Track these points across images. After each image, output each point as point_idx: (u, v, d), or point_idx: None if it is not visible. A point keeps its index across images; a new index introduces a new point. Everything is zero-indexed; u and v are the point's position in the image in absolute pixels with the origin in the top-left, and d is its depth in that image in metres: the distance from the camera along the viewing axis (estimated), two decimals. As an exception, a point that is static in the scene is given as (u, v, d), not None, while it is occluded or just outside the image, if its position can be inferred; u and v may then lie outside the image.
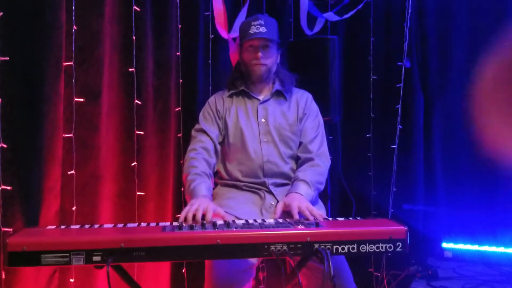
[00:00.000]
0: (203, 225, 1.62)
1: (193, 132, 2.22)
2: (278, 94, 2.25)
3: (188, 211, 1.77)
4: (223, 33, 2.53)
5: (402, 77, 2.72)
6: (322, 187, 2.14)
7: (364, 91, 3.03)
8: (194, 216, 1.75)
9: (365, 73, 3.02)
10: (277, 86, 2.24)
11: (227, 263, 1.83)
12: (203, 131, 2.18)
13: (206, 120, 2.21)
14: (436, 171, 3.11)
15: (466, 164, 3.08)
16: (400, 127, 2.76)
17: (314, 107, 2.28)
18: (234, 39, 2.59)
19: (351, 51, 3.08)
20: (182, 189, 2.56)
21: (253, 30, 2.14)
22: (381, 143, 2.97)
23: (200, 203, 1.80)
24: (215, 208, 1.83)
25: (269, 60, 2.18)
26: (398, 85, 2.74)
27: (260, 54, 2.14)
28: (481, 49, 3.05)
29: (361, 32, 3.04)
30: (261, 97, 2.23)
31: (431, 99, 3.09)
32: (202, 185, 1.98)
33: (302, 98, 2.27)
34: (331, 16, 2.77)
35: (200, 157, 2.10)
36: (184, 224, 1.66)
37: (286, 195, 2.01)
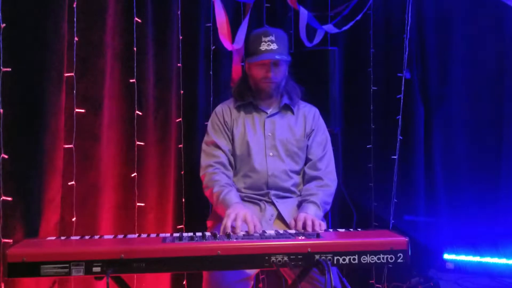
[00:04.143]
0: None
1: (204, 146, 2.18)
2: (285, 107, 2.22)
3: (227, 221, 1.78)
4: (227, 44, 2.52)
5: (402, 88, 2.73)
6: (329, 207, 2.13)
7: (364, 102, 3.03)
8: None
9: (365, 84, 3.03)
10: (285, 99, 2.20)
11: (224, 274, 1.83)
12: (215, 145, 2.14)
13: (216, 132, 2.18)
14: (437, 182, 3.10)
15: (467, 174, 3.08)
16: (401, 138, 2.76)
17: (321, 123, 2.26)
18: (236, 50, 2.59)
19: (351, 63, 3.09)
20: (183, 200, 2.55)
21: (263, 47, 2.07)
22: (381, 154, 2.97)
23: (238, 212, 1.81)
24: (251, 215, 1.83)
25: (279, 76, 2.14)
26: (398, 96, 2.75)
27: (271, 74, 2.10)
28: (480, 60, 3.06)
29: (361, 44, 3.06)
30: (268, 111, 2.20)
31: (431, 109, 3.10)
32: (231, 194, 1.99)
33: (310, 113, 2.24)
34: (330, 28, 2.78)
35: (219, 171, 2.09)
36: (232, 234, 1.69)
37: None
